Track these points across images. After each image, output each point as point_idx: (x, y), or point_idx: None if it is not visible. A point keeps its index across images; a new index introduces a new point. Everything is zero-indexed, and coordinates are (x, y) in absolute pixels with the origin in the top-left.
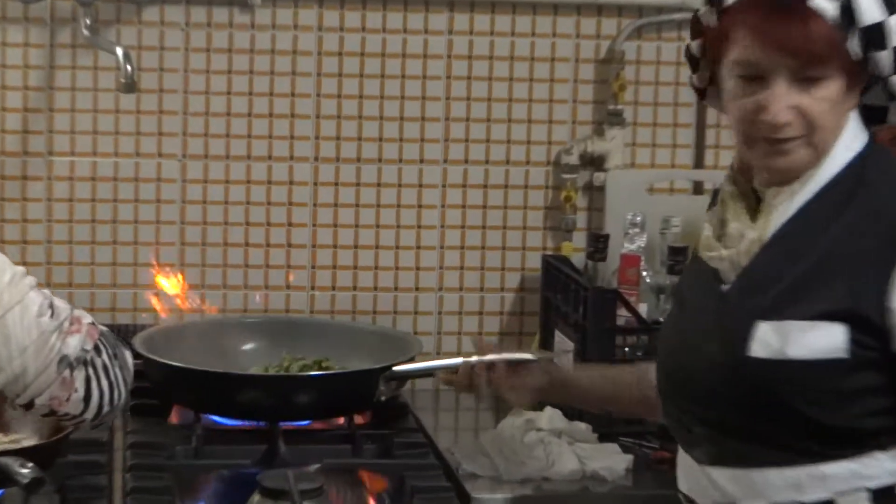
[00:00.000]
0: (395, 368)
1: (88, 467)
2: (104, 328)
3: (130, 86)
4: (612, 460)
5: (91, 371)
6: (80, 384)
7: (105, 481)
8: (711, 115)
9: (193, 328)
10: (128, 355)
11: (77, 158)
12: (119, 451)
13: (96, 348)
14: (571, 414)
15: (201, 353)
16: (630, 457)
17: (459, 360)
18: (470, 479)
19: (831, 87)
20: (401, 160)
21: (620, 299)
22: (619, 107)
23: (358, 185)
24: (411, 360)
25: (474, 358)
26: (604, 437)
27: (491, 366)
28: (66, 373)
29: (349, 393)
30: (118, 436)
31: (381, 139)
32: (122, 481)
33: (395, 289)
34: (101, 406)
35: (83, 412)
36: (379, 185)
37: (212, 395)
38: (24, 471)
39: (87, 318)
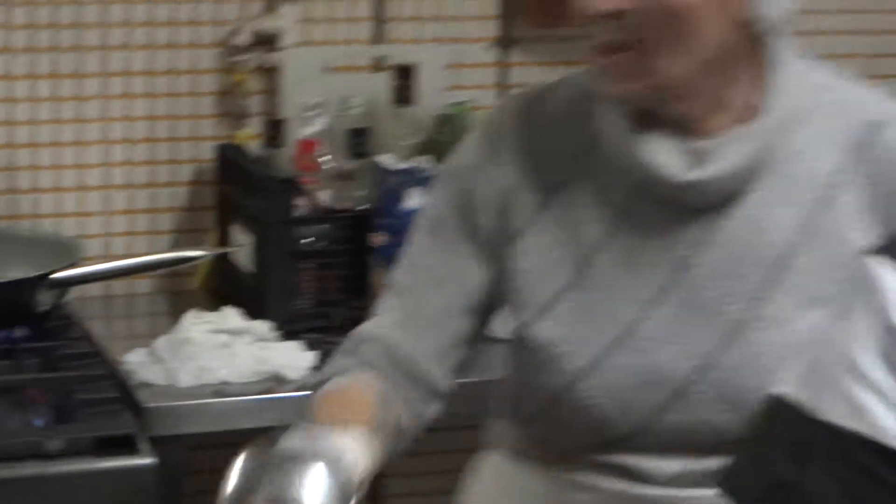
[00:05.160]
0: (54, 275)
1: None
2: None
3: None
4: (294, 358)
5: None
6: None
7: None
8: None
9: None
10: None
11: None
12: None
13: None
14: (254, 312)
15: None
16: (314, 353)
17: (129, 261)
18: (143, 388)
19: None
20: (56, 48)
21: (298, 187)
22: None
23: (7, 76)
24: (73, 265)
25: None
26: (288, 335)
27: None
28: None
29: (6, 304)
30: None
31: (31, 25)
32: None
33: (57, 189)
34: None
35: None
36: (33, 76)
37: None
38: None
39: None
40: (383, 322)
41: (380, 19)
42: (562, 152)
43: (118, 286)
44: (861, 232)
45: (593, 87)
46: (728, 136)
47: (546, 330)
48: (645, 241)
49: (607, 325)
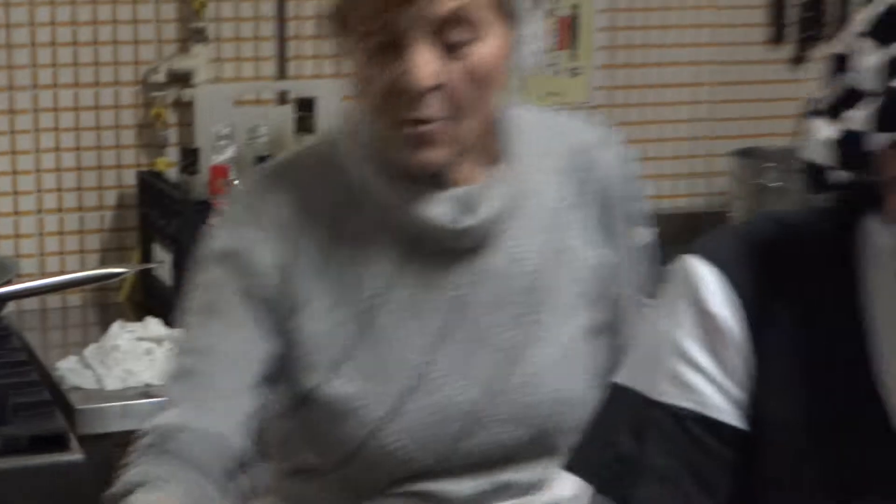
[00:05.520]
0: None
1: None
2: None
3: None
4: None
5: None
6: None
7: None
8: (292, 27)
9: None
10: None
11: None
12: None
13: None
14: (174, 321)
15: None
16: None
17: (61, 277)
18: (74, 391)
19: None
20: None
21: (212, 209)
22: (202, 24)
23: None
24: (10, 282)
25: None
26: None
27: None
28: None
29: None
30: None
31: None
32: None
33: None
34: None
35: None
36: None
37: None
38: None
39: None
40: (181, 410)
41: (283, 58)
42: (325, 216)
43: (52, 300)
44: (592, 245)
45: (388, 153)
46: (486, 182)
47: (339, 387)
48: (422, 289)
49: (399, 374)
